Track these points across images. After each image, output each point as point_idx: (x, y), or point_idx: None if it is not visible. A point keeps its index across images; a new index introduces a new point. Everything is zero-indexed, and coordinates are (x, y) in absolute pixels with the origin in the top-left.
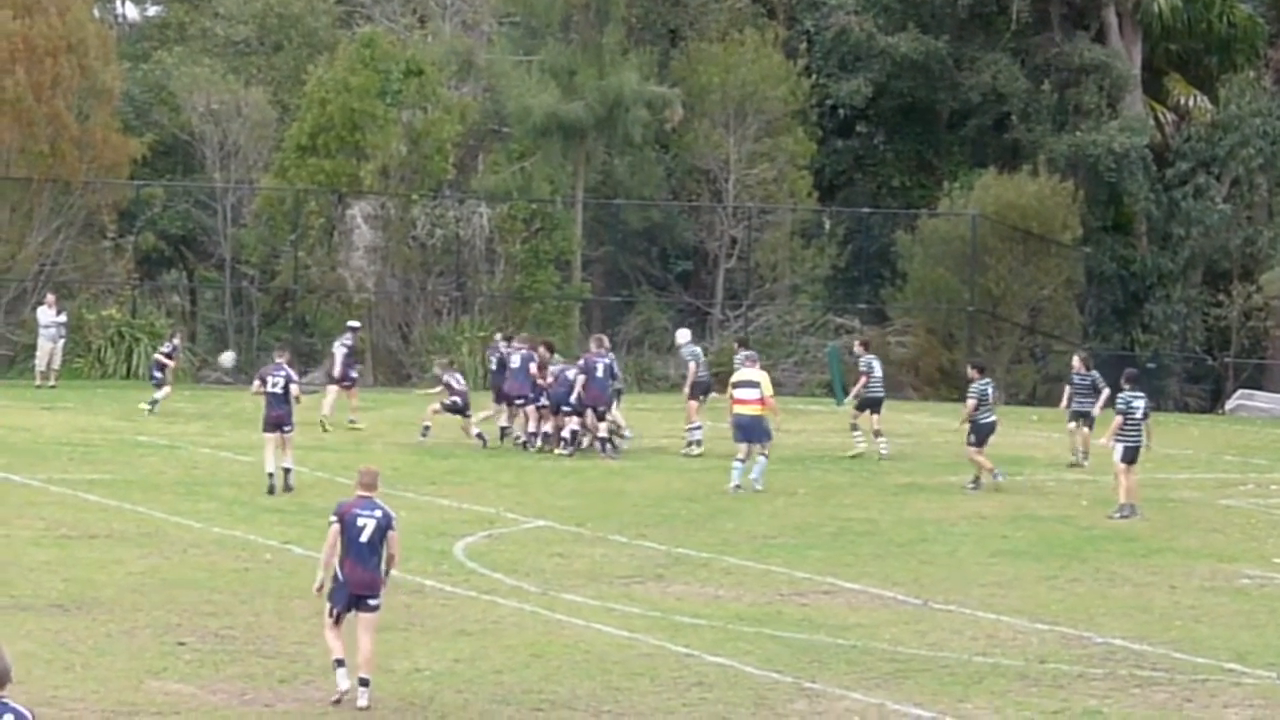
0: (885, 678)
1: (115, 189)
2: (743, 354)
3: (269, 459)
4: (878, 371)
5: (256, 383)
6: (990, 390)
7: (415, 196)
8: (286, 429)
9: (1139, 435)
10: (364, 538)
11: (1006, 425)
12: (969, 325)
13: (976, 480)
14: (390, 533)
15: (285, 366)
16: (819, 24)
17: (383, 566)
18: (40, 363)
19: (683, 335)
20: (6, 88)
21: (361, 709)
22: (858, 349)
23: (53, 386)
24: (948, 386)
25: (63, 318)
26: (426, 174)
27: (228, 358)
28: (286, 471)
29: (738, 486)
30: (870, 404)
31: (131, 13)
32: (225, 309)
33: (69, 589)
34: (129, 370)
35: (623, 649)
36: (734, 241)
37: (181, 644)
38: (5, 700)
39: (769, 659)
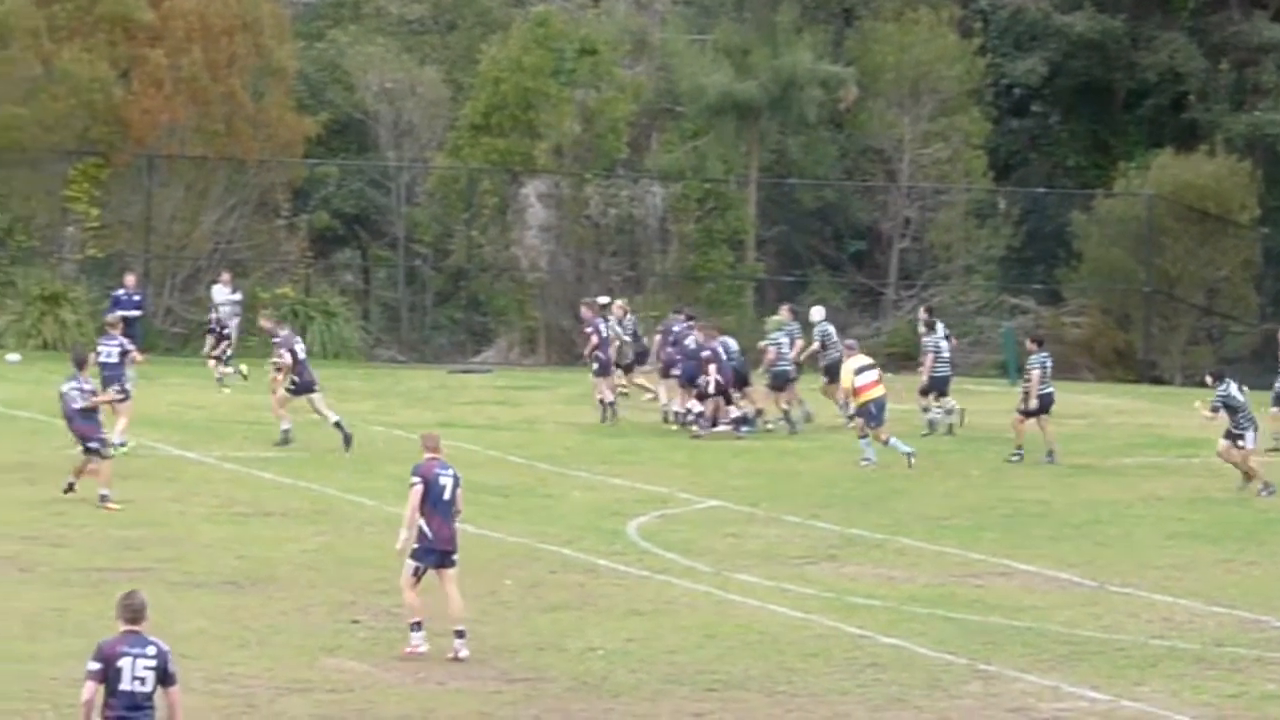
0: (1060, 660)
1: (290, 168)
2: (848, 342)
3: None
4: (945, 352)
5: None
6: (1049, 363)
7: (589, 175)
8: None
9: None
10: (447, 495)
11: (1182, 407)
12: (1144, 306)
13: (1019, 450)
14: (459, 490)
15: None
16: (994, 3)
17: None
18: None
19: (818, 313)
20: (183, 67)
21: (463, 659)
22: (923, 328)
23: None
24: (1123, 368)
25: (237, 296)
26: (600, 153)
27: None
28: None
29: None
30: (937, 384)
31: None
32: (399, 288)
33: (243, 566)
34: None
35: (796, 629)
36: (908, 221)
37: (355, 621)
38: (142, 633)
39: (943, 640)
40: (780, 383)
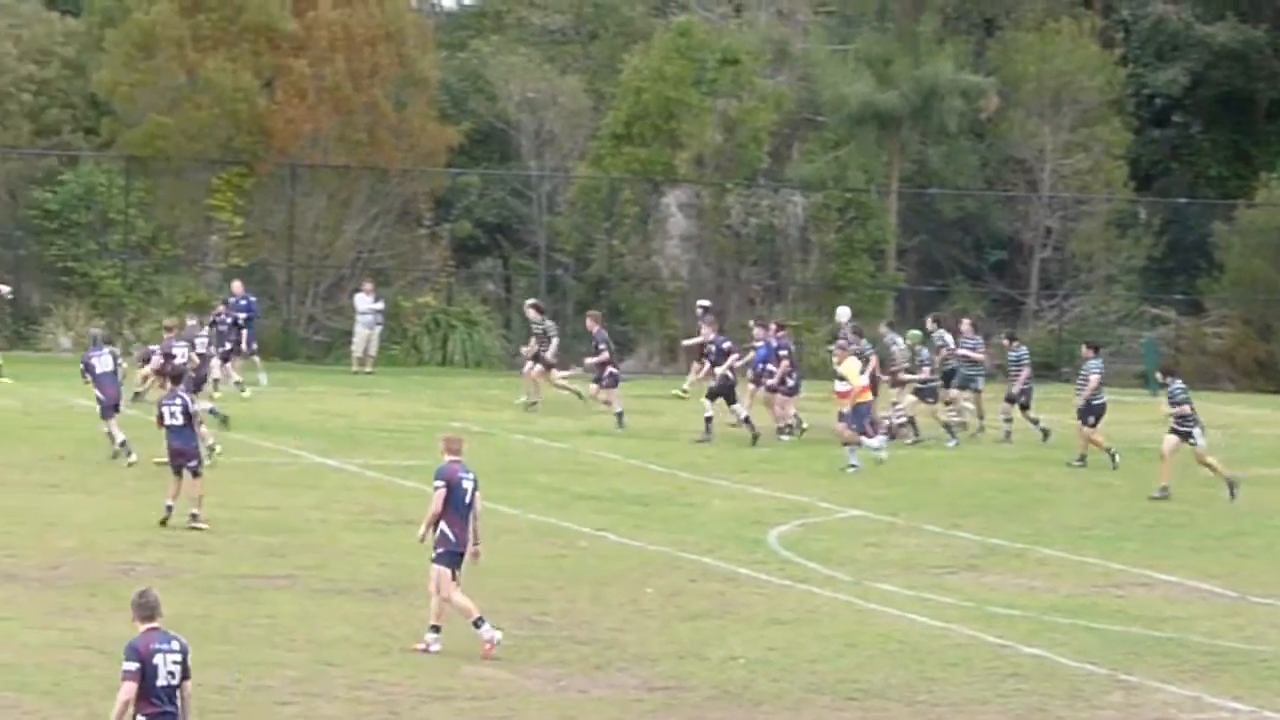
0: (1202, 671)
1: (431, 177)
2: (840, 340)
3: None
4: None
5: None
6: (1102, 369)
7: (730, 185)
8: None
9: None
10: (468, 499)
11: None
12: None
13: (1083, 459)
14: (478, 494)
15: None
16: (1135, 13)
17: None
18: (357, 349)
19: (844, 313)
20: (326, 76)
21: (498, 642)
22: (930, 324)
23: (369, 373)
24: (1264, 378)
25: (380, 304)
26: (741, 163)
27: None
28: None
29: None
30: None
31: (448, 1)
32: (540, 297)
33: (385, 573)
34: (444, 357)
35: (936, 639)
36: (1049, 231)
37: (495, 629)
38: (163, 629)
39: (1084, 651)
40: (925, 394)
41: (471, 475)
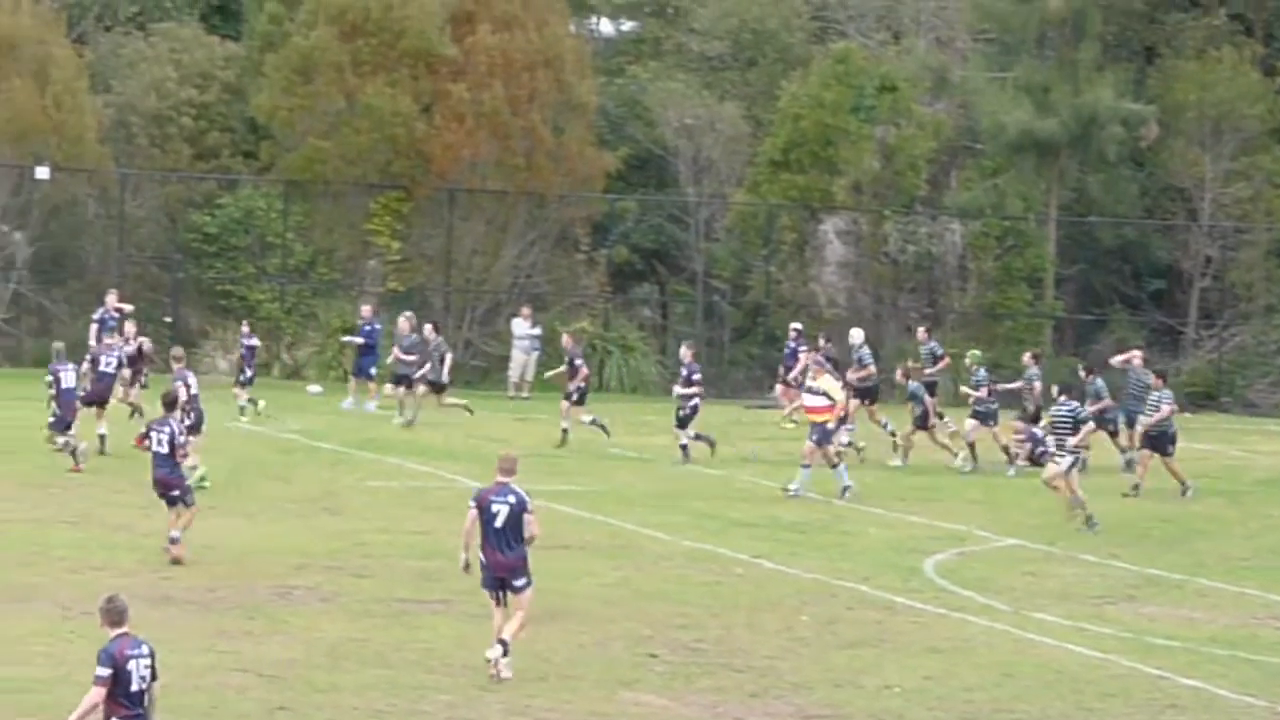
0: None
1: (589, 202)
2: (817, 358)
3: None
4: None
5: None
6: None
7: (887, 212)
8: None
9: None
10: (498, 523)
11: None
12: None
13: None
14: (526, 515)
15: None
16: None
17: (523, 549)
18: (514, 374)
19: (857, 335)
20: (484, 101)
21: (501, 677)
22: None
23: (526, 398)
24: None
25: (537, 330)
26: (899, 190)
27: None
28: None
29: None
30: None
31: (607, 28)
32: (696, 323)
33: (541, 599)
34: (601, 382)
35: (1094, 669)
36: (1208, 260)
37: (653, 656)
38: (132, 634)
39: (1244, 683)
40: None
41: (509, 499)
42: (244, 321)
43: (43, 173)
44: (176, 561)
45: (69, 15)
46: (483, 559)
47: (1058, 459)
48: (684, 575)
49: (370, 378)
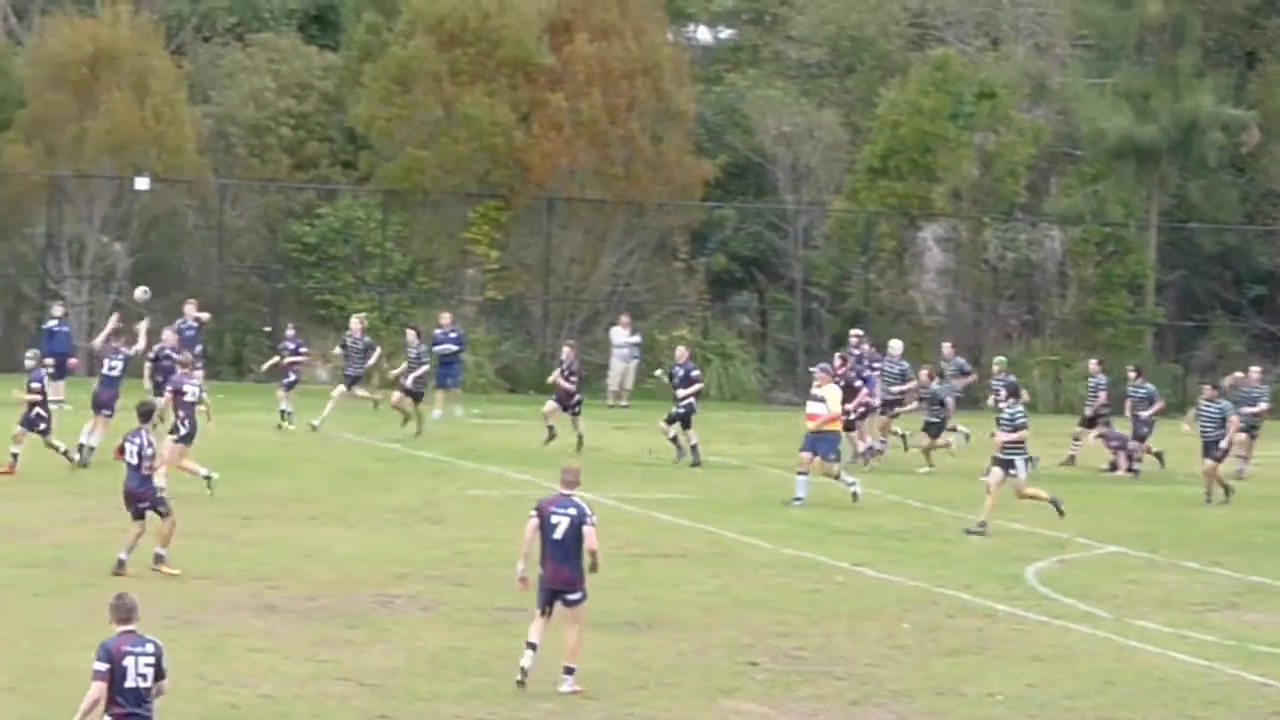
0: None
1: (687, 211)
2: (823, 366)
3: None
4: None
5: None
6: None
7: (986, 219)
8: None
9: None
10: (557, 534)
11: None
12: None
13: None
14: (585, 528)
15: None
16: None
17: (581, 562)
18: (613, 383)
19: (896, 346)
20: (582, 110)
21: (561, 693)
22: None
23: (625, 406)
24: None
25: (636, 338)
26: (998, 197)
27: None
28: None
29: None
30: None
31: (705, 35)
32: (795, 331)
33: (641, 607)
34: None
35: (1197, 677)
36: None
37: (753, 664)
38: (138, 632)
39: None
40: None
41: (570, 511)
42: (290, 325)
43: (142, 184)
44: (160, 570)
45: (168, 27)
46: (543, 571)
47: (1012, 470)
48: (784, 583)
49: (452, 387)
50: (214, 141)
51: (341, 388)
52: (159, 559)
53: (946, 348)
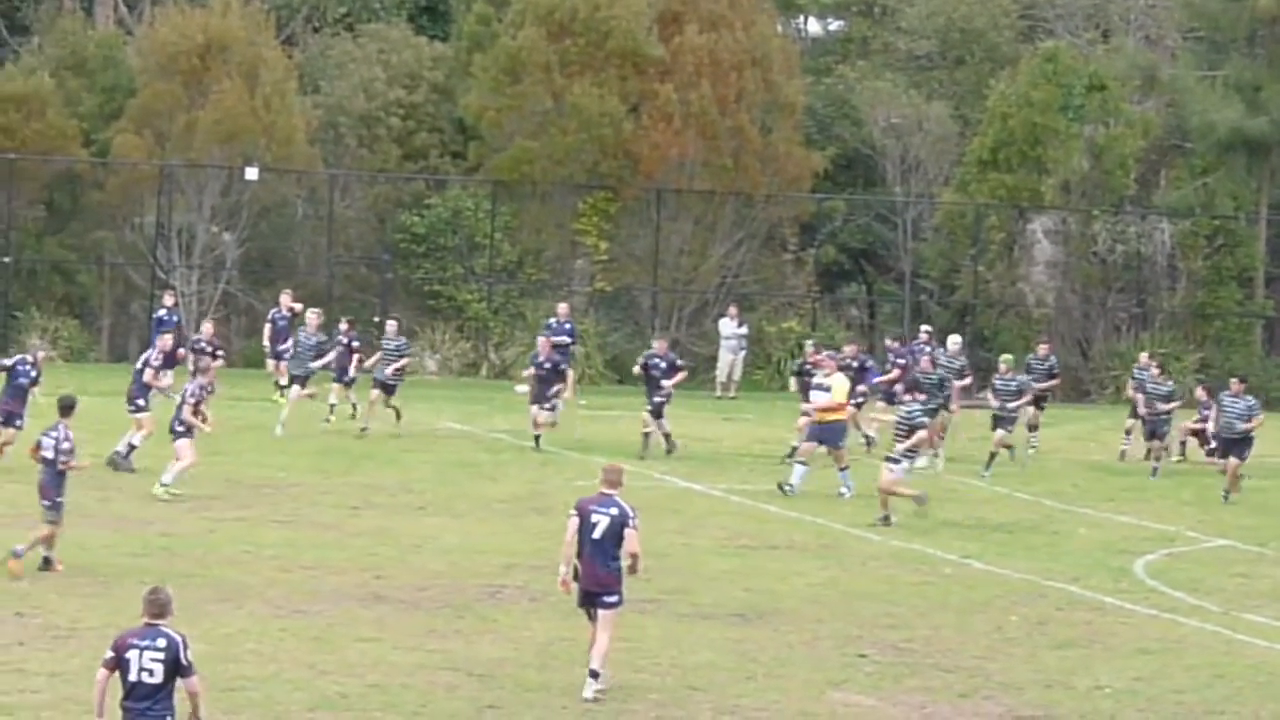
0: None
1: (797, 202)
2: (826, 354)
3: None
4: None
5: None
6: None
7: (1096, 212)
8: None
9: None
10: (597, 534)
11: None
12: None
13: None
14: (627, 530)
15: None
16: None
17: (619, 565)
18: (721, 374)
19: (954, 341)
20: (692, 101)
21: (585, 700)
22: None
23: (733, 398)
24: None
25: (744, 329)
26: (1108, 189)
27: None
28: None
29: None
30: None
31: (814, 27)
32: (904, 323)
33: (750, 599)
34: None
35: None
36: None
37: (862, 656)
38: (159, 627)
39: None
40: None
41: (610, 511)
42: (344, 319)
43: (252, 174)
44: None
45: (278, 17)
46: (580, 570)
47: (890, 466)
48: (892, 575)
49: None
50: (323, 132)
51: (296, 389)
52: (15, 556)
53: (1043, 348)
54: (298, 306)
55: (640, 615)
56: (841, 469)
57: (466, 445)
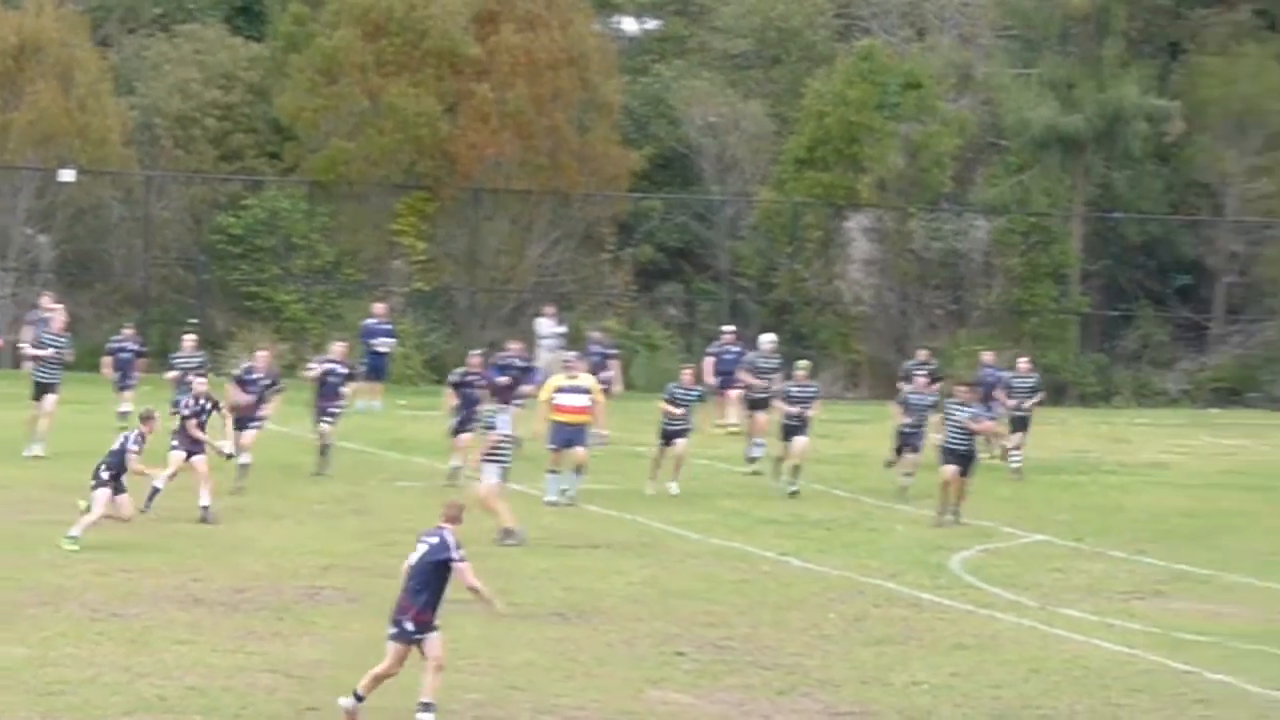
0: None
1: (614, 201)
2: (566, 357)
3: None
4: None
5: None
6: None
7: (912, 210)
8: None
9: None
10: (411, 560)
11: None
12: None
13: None
14: (452, 564)
15: None
16: None
17: (424, 597)
18: (540, 374)
19: (768, 340)
20: (508, 101)
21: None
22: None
23: None
24: None
25: (562, 329)
26: (924, 187)
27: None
28: None
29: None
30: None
31: (631, 26)
32: (722, 321)
33: (570, 598)
34: (627, 382)
35: (1122, 665)
36: (1234, 255)
37: (680, 654)
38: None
39: (1272, 677)
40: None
41: (430, 541)
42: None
43: (67, 176)
44: None
45: (93, 18)
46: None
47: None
48: (711, 573)
49: (381, 379)
50: (139, 133)
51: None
52: None
53: (1024, 363)
54: (57, 307)
55: (460, 615)
56: (578, 471)
57: (284, 447)
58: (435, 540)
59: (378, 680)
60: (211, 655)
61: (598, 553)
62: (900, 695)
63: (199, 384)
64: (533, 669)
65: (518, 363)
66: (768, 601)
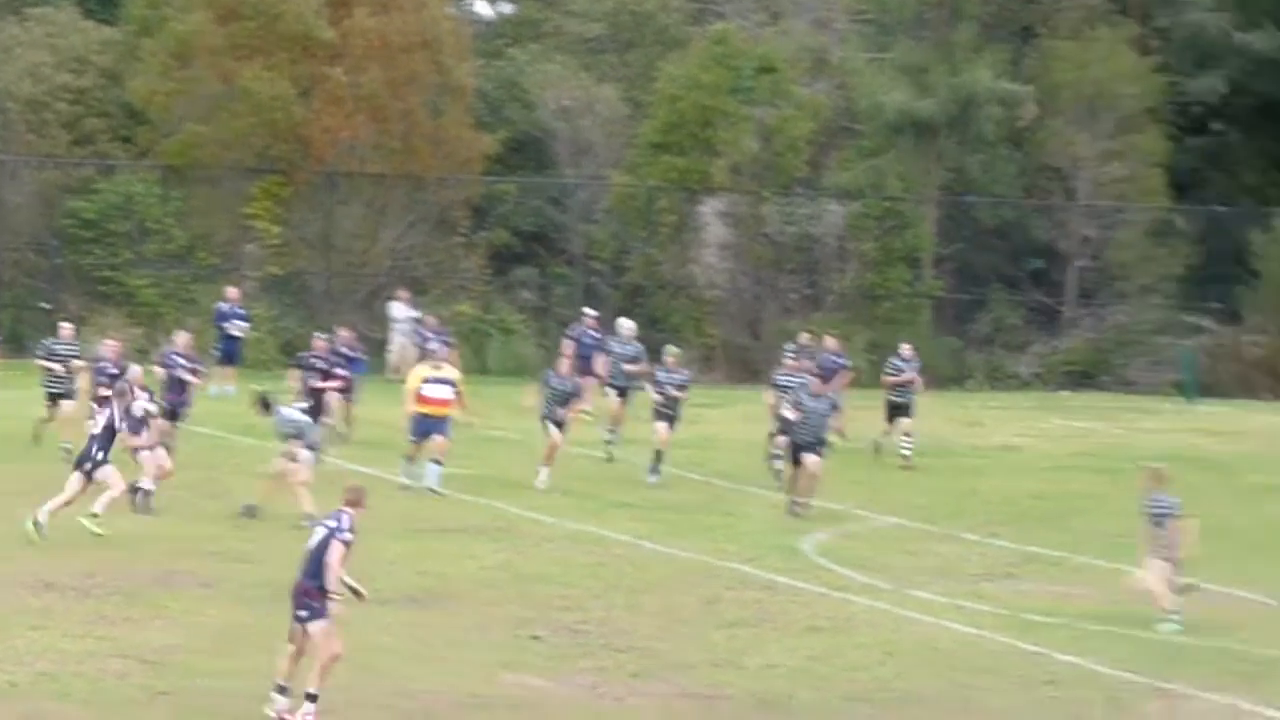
0: (1241, 679)
1: (468, 185)
2: (433, 347)
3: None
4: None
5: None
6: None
7: (767, 194)
8: None
9: None
10: (309, 544)
11: None
12: None
13: None
14: (330, 543)
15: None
16: (1173, 20)
17: (319, 583)
18: (393, 357)
19: (627, 325)
20: (362, 84)
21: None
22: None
23: (404, 380)
24: None
25: (416, 313)
26: (778, 171)
27: None
28: None
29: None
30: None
31: (485, 10)
32: (576, 305)
33: (423, 582)
34: (482, 366)
35: (972, 646)
36: (1086, 239)
37: (535, 637)
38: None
39: (1120, 658)
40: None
41: (330, 523)
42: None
43: None
44: None
45: None
46: None
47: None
48: (565, 557)
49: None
50: None
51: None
52: None
53: (906, 348)
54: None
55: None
56: (436, 461)
57: None
58: (334, 523)
59: (294, 663)
60: (63, 640)
61: (451, 537)
62: (755, 678)
63: (134, 371)
64: (386, 653)
65: (345, 351)
66: (622, 585)
